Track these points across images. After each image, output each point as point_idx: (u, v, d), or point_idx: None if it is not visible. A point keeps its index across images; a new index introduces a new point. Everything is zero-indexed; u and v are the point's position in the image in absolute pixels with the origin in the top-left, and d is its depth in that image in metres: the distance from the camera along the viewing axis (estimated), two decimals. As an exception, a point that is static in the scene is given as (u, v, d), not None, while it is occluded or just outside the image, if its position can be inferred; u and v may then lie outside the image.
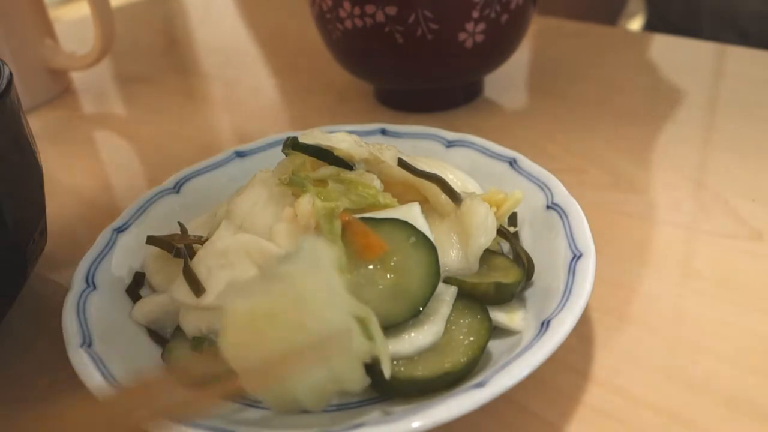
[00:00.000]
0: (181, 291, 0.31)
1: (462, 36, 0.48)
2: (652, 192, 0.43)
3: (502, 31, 0.49)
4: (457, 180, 0.37)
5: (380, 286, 0.29)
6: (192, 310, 0.31)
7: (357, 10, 0.47)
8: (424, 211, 0.32)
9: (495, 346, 0.30)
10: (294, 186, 0.32)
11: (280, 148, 0.35)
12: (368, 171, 0.33)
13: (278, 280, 0.25)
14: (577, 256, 0.30)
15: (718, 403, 0.28)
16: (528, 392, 0.29)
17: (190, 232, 0.36)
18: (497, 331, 0.30)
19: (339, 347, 0.25)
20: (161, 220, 0.38)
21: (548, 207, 0.35)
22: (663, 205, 0.41)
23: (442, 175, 0.34)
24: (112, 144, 0.58)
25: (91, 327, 0.30)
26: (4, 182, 0.30)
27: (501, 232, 0.33)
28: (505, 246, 0.35)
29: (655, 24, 0.89)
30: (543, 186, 0.36)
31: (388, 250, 0.29)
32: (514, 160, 0.38)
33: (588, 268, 0.29)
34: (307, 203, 0.31)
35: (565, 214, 0.33)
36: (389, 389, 0.28)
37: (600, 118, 0.52)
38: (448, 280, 0.31)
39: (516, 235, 0.35)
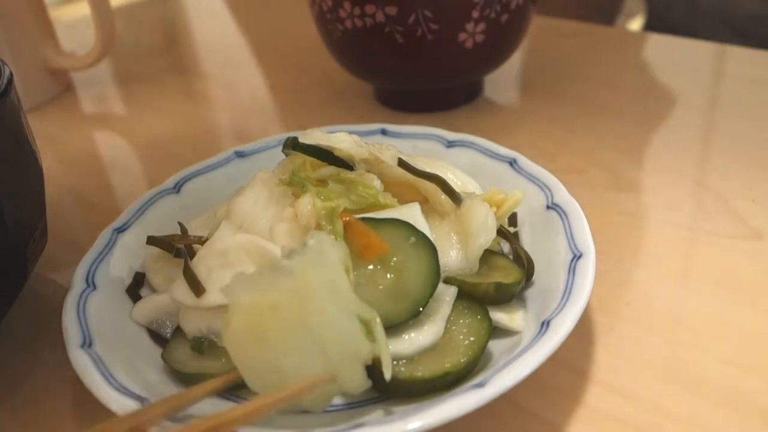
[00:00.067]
0: (181, 291, 0.31)
1: (462, 36, 0.48)
2: (652, 192, 0.43)
3: (502, 31, 0.49)
4: (457, 180, 0.37)
5: (380, 286, 0.29)
6: (192, 310, 0.31)
7: (357, 10, 0.47)
8: (424, 211, 0.32)
9: (495, 346, 0.30)
10: (294, 186, 0.32)
11: (280, 148, 0.35)
12: (368, 171, 0.33)
13: (284, 274, 0.25)
14: (577, 256, 0.30)
15: (718, 403, 0.28)
16: (528, 392, 0.29)
17: (190, 232, 0.36)
18: (497, 331, 0.30)
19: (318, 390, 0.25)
20: (161, 220, 0.38)
21: (548, 207, 0.35)
22: (663, 205, 0.41)
23: (442, 175, 0.34)
24: (112, 144, 0.58)
25: (91, 327, 0.30)
26: (4, 182, 0.30)
27: (501, 232, 0.33)
28: (505, 246, 0.35)
29: (655, 24, 0.89)
30: (543, 186, 0.36)
31: (388, 250, 0.29)
32: (514, 160, 0.38)
33: (588, 268, 0.30)
34: (307, 203, 0.31)
35: (565, 214, 0.33)
36: (390, 389, 0.28)
37: (600, 118, 0.52)
38: (448, 281, 0.31)
39: (516, 235, 0.35)
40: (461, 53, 0.49)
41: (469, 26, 0.47)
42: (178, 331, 0.32)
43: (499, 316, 0.30)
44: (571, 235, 0.32)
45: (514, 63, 0.57)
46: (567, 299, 0.28)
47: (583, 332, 0.32)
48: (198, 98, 0.65)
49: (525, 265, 0.32)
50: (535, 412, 0.29)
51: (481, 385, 0.25)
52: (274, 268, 0.25)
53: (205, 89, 0.67)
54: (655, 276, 0.36)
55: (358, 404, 0.28)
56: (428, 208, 0.33)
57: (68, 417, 0.31)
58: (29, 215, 0.33)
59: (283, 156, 0.35)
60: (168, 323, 0.32)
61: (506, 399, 0.28)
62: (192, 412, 0.26)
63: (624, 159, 0.47)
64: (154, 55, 0.76)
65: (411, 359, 0.28)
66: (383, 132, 0.43)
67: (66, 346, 0.29)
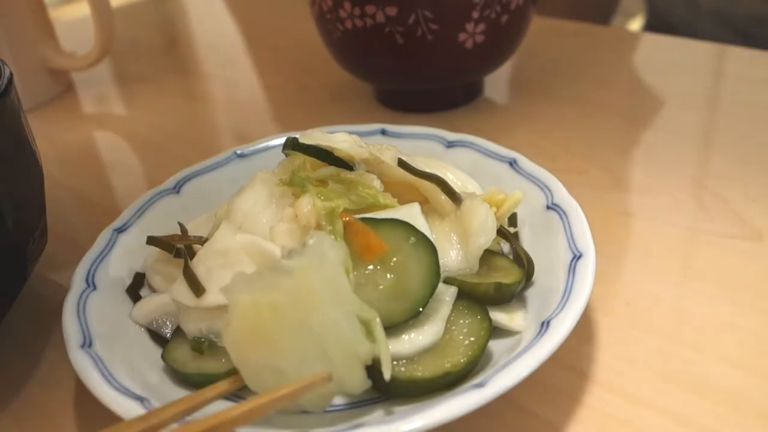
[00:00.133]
0: (181, 291, 0.31)
1: (462, 36, 0.48)
2: (652, 192, 0.43)
3: (502, 31, 0.49)
4: (457, 180, 0.37)
5: (380, 287, 0.29)
6: (192, 310, 0.31)
7: (357, 11, 0.47)
8: (424, 211, 0.32)
9: (495, 346, 0.30)
10: (294, 186, 0.32)
11: (280, 148, 0.35)
12: (368, 171, 0.33)
13: (284, 274, 0.25)
14: (577, 257, 0.30)
15: (718, 403, 0.28)
16: (528, 392, 0.29)
17: (190, 233, 0.36)
18: (497, 331, 0.30)
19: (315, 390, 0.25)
20: (161, 221, 0.38)
21: (548, 207, 0.35)
22: (663, 205, 0.41)
23: (442, 176, 0.34)
24: (112, 144, 0.58)
25: (91, 327, 0.30)
26: (4, 182, 0.30)
27: (501, 232, 0.33)
28: (505, 246, 0.35)
29: (655, 24, 0.89)
30: (543, 186, 0.36)
31: (388, 251, 0.29)
32: (514, 161, 0.38)
33: (588, 268, 0.30)
34: (307, 203, 0.31)
35: (565, 215, 0.33)
36: (389, 389, 0.28)
37: (600, 118, 0.52)
38: (448, 281, 0.31)
39: (516, 235, 0.35)
40: (461, 53, 0.49)
41: (469, 26, 0.47)
42: (178, 331, 0.32)
43: (499, 316, 0.30)
44: (571, 235, 0.32)
45: (514, 63, 0.57)
46: (567, 299, 0.28)
47: (583, 332, 0.32)
48: (198, 98, 0.65)
49: (525, 265, 0.32)
50: (535, 412, 0.29)
51: (481, 385, 0.25)
52: (274, 268, 0.25)
53: (205, 89, 0.67)
54: (655, 276, 0.36)
55: (357, 404, 0.28)
56: (428, 208, 0.33)
57: (68, 417, 0.31)
58: (29, 215, 0.33)
59: (283, 156, 0.35)
60: (168, 323, 0.32)
61: (506, 399, 0.28)
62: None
63: (624, 159, 0.47)
64: (154, 55, 0.76)
65: (411, 359, 0.28)
66: (383, 132, 0.43)
67: (66, 346, 0.29)
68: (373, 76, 0.55)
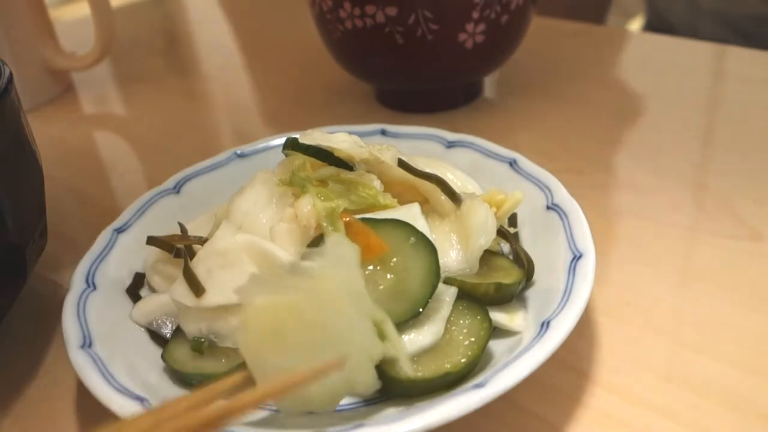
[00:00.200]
0: (181, 291, 0.31)
1: (462, 36, 0.48)
2: (652, 192, 0.43)
3: (502, 31, 0.49)
4: (457, 180, 0.37)
5: (380, 287, 0.29)
6: (192, 311, 0.31)
7: (357, 11, 0.47)
8: (424, 211, 0.32)
9: (495, 346, 0.30)
10: (294, 186, 0.32)
11: (280, 148, 0.35)
12: (368, 171, 0.33)
13: (304, 275, 0.25)
14: (577, 257, 0.30)
15: (718, 403, 0.28)
16: (528, 392, 0.29)
17: (190, 233, 0.36)
18: (497, 331, 0.30)
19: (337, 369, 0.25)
20: (161, 221, 0.38)
21: (548, 207, 0.35)
22: (663, 206, 0.41)
23: (442, 176, 0.34)
24: (112, 144, 0.58)
25: (91, 327, 0.30)
26: (4, 182, 0.30)
27: (501, 232, 0.33)
28: (505, 246, 0.35)
29: (655, 24, 0.89)
30: (543, 186, 0.36)
31: (388, 251, 0.29)
32: (514, 161, 0.38)
33: (588, 268, 0.30)
34: (307, 203, 0.31)
35: (565, 215, 0.33)
36: (389, 389, 0.28)
37: (600, 118, 0.52)
38: (448, 281, 0.31)
39: (516, 235, 0.35)
40: (461, 53, 0.49)
41: (469, 27, 0.47)
42: (178, 331, 0.32)
43: (500, 317, 0.30)
44: (571, 236, 0.32)
45: (514, 63, 0.57)
46: (567, 299, 0.28)
47: (583, 332, 0.32)
48: (198, 98, 0.65)
49: (525, 265, 0.32)
50: (535, 413, 0.29)
51: (481, 385, 0.25)
52: (293, 270, 0.25)
53: (205, 89, 0.67)
54: (656, 276, 0.36)
55: (358, 405, 0.28)
56: (428, 208, 0.33)
57: (68, 417, 0.31)
58: (29, 215, 0.33)
59: (283, 156, 0.35)
60: (168, 323, 0.32)
61: (506, 399, 0.28)
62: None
63: (624, 159, 0.47)
64: (154, 55, 0.76)
65: (411, 359, 0.28)
66: (383, 132, 0.43)
67: (66, 347, 0.29)
68: (373, 76, 0.55)
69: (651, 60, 0.64)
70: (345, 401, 0.28)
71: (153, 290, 0.35)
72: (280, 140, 0.42)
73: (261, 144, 0.43)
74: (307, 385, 0.25)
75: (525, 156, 0.38)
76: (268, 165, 0.37)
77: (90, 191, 0.49)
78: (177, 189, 0.40)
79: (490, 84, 0.58)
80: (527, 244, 0.35)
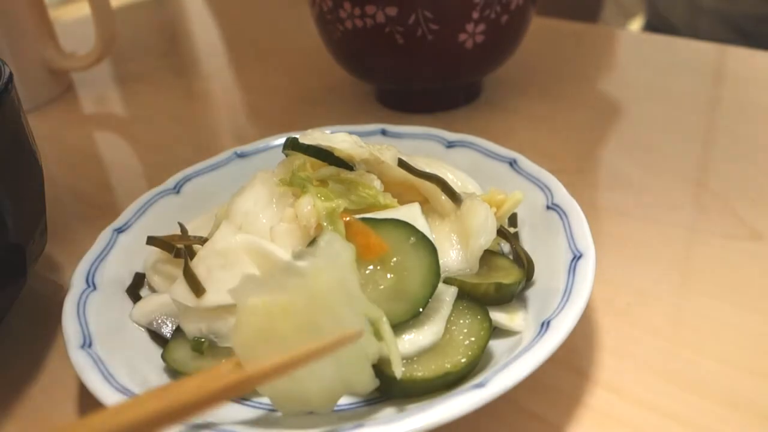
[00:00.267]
0: (181, 291, 0.31)
1: (462, 36, 0.48)
2: (652, 192, 0.43)
3: (502, 31, 0.49)
4: (457, 180, 0.37)
5: (380, 287, 0.29)
6: (192, 311, 0.31)
7: (357, 11, 0.47)
8: (424, 211, 0.32)
9: (495, 346, 0.30)
10: (294, 186, 0.32)
11: (280, 148, 0.35)
12: (368, 171, 0.33)
13: (297, 275, 0.25)
14: (577, 257, 0.30)
15: (718, 403, 0.28)
16: (528, 392, 0.29)
17: (190, 233, 0.36)
18: (497, 331, 0.30)
19: (349, 345, 0.25)
20: (161, 221, 0.38)
21: (548, 207, 0.35)
22: (663, 205, 0.41)
23: (442, 176, 0.34)
24: (112, 144, 0.58)
25: (91, 327, 0.30)
26: (4, 182, 0.30)
27: (501, 232, 0.33)
28: (505, 246, 0.35)
29: (655, 24, 0.89)
30: (543, 186, 0.36)
31: (388, 251, 0.29)
32: (514, 161, 0.38)
33: (588, 268, 0.30)
34: (307, 203, 0.31)
35: (565, 215, 0.33)
36: (389, 389, 0.28)
37: (599, 118, 0.52)
38: (449, 281, 0.31)
39: (516, 235, 0.35)
40: (461, 53, 0.49)
41: (469, 27, 0.47)
42: (178, 331, 0.32)
43: (500, 317, 0.30)
44: (571, 236, 0.32)
45: (514, 63, 0.57)
46: (567, 299, 0.28)
47: (584, 332, 0.32)
48: (198, 98, 0.65)
49: (525, 265, 0.32)
50: (535, 413, 0.29)
51: (481, 385, 0.25)
52: (286, 269, 0.25)
53: (205, 89, 0.67)
54: (655, 276, 0.36)
55: (358, 405, 0.28)
56: (428, 208, 0.33)
57: (68, 417, 0.31)
58: (29, 215, 0.33)
59: (283, 156, 0.35)
60: (168, 323, 0.32)
61: (506, 399, 0.28)
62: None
63: (624, 159, 0.47)
64: (154, 55, 0.76)
65: (411, 359, 0.28)
66: (383, 132, 0.43)
67: (66, 347, 0.29)
68: (373, 76, 0.55)
69: (651, 60, 0.64)
70: (345, 401, 0.28)
71: (153, 290, 0.35)
72: (280, 140, 0.42)
73: (261, 144, 0.43)
74: (329, 352, 0.24)
75: (525, 156, 0.39)
76: (268, 165, 0.37)
77: (90, 191, 0.49)
78: (177, 189, 0.40)
79: (490, 84, 0.58)
80: (527, 244, 0.35)
